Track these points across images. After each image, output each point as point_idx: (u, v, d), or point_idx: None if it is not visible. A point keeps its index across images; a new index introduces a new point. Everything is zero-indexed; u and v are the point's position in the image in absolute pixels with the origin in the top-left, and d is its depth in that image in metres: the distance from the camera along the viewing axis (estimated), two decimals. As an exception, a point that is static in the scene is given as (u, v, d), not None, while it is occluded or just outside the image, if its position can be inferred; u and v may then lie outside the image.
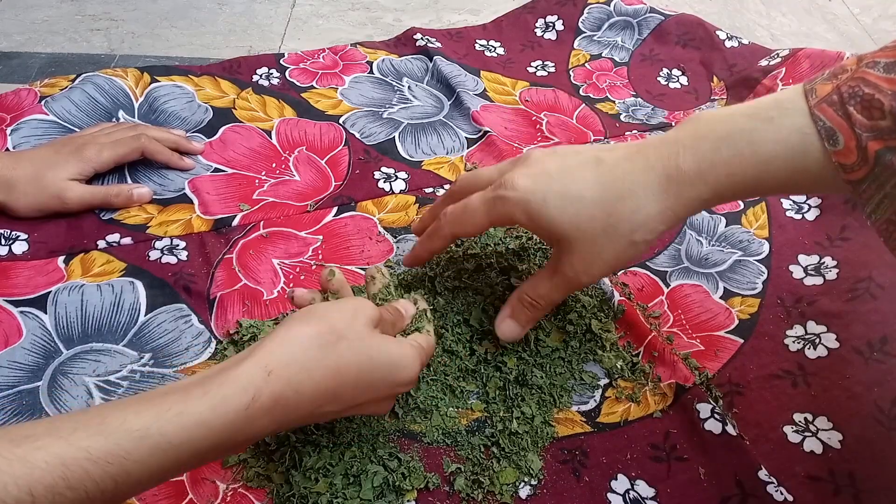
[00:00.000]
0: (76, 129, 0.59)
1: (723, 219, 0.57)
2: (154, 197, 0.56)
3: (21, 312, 0.47)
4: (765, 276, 0.52)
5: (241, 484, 0.40)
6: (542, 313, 0.41)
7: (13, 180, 0.50)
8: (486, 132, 0.63)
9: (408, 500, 0.39)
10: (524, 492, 0.40)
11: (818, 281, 0.52)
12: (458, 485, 0.40)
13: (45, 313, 0.47)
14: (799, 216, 0.57)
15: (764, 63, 0.71)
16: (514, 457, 0.41)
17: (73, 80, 0.63)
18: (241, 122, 0.63)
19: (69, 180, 0.52)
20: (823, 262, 0.53)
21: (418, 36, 0.75)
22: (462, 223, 0.40)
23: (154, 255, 0.51)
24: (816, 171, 0.31)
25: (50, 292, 0.48)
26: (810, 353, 0.47)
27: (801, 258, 0.54)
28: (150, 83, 0.65)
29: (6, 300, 0.47)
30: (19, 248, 0.51)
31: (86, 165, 0.53)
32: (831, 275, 0.52)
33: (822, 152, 0.31)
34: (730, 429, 0.42)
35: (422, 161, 0.61)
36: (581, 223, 0.35)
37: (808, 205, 0.57)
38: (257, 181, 0.58)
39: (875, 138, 0.29)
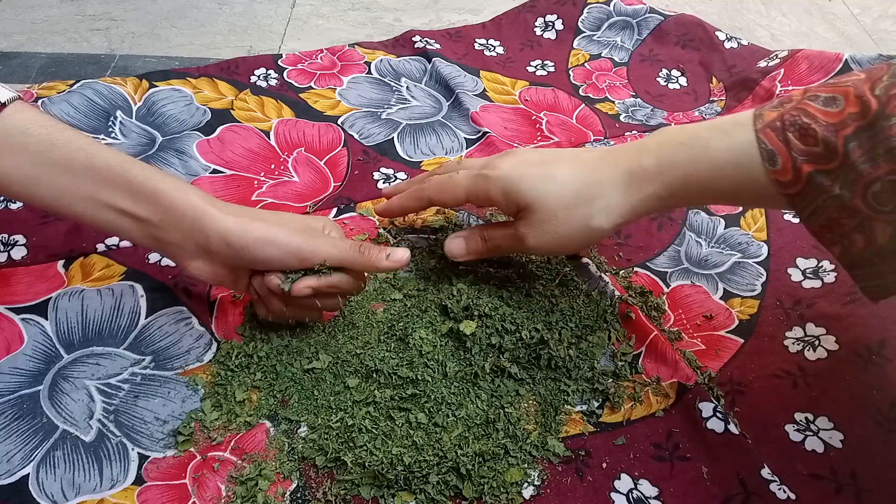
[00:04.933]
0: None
1: (722, 221, 0.57)
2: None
3: (22, 319, 0.46)
4: (764, 277, 0.53)
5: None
6: (487, 252, 0.46)
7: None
8: (485, 133, 0.63)
9: (406, 501, 0.39)
10: (528, 492, 0.40)
11: (816, 284, 0.52)
12: (462, 485, 0.40)
13: (46, 319, 0.47)
14: (797, 219, 0.57)
15: (763, 64, 0.71)
16: (527, 449, 0.42)
17: (72, 86, 0.63)
18: (239, 122, 0.63)
19: None
20: (821, 266, 0.53)
21: (417, 38, 0.75)
22: (442, 191, 0.44)
23: (154, 257, 0.51)
24: (760, 185, 0.36)
25: (50, 298, 0.48)
26: (810, 355, 0.47)
27: (800, 261, 0.54)
28: (149, 88, 0.65)
29: (7, 308, 0.47)
30: (18, 253, 0.51)
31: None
32: (829, 278, 0.52)
33: (760, 170, 0.35)
34: (732, 428, 0.42)
35: (421, 161, 0.61)
36: (548, 199, 0.40)
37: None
38: (256, 182, 0.58)
39: (808, 162, 0.33)
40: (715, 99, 0.70)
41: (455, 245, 0.46)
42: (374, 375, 0.44)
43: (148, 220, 0.40)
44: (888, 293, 0.36)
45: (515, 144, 0.63)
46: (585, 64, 0.74)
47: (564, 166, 0.41)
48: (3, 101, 0.38)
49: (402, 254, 0.43)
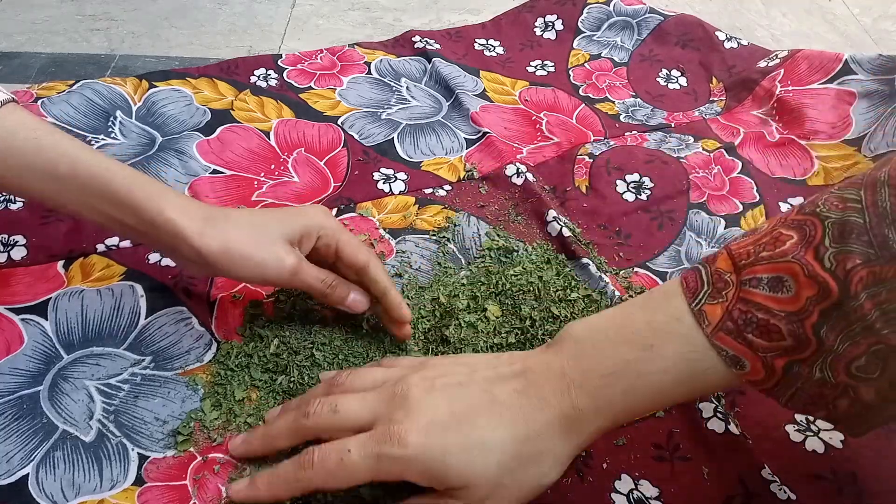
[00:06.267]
0: (74, 130, 0.59)
1: (722, 220, 0.57)
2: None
3: (22, 320, 0.46)
4: (765, 276, 0.52)
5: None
6: None
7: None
8: (485, 133, 0.63)
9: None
10: (527, 493, 0.40)
11: (818, 281, 0.52)
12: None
13: (46, 320, 0.47)
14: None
15: (763, 64, 0.71)
16: None
17: (72, 86, 0.63)
18: (239, 123, 0.63)
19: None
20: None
21: (417, 38, 0.75)
22: (336, 478, 0.34)
23: (154, 258, 0.51)
24: (716, 384, 0.32)
25: (50, 298, 0.48)
26: (811, 354, 0.47)
27: (802, 258, 0.54)
28: (149, 89, 0.65)
29: (7, 308, 0.47)
30: (18, 253, 0.51)
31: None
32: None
33: (721, 372, 0.31)
34: (732, 428, 0.42)
35: (421, 162, 0.61)
36: (488, 473, 0.33)
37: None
38: (256, 183, 0.58)
39: (779, 356, 0.30)
40: (715, 99, 0.71)
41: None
42: None
43: (135, 228, 0.40)
44: (871, 430, 0.33)
45: (515, 144, 0.63)
46: (585, 64, 0.74)
47: (487, 425, 0.33)
48: None
49: (360, 304, 0.44)
